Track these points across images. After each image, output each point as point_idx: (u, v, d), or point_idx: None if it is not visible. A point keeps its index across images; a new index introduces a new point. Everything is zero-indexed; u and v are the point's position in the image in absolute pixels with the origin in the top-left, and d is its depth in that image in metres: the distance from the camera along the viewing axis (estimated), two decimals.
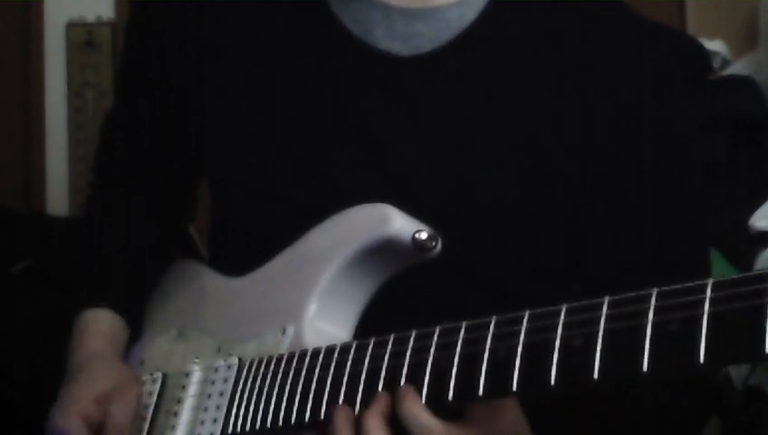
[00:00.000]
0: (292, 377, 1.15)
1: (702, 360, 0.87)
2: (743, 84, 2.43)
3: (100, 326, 1.36)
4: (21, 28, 2.86)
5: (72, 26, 2.88)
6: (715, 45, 2.55)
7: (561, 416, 1.13)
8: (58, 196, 2.82)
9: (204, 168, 1.39)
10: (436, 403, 1.03)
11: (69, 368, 1.33)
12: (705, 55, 2.47)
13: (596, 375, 0.93)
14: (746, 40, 2.65)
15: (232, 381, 1.21)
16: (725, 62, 2.56)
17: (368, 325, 1.20)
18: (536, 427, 1.11)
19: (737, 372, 2.03)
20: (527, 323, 0.99)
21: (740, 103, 2.38)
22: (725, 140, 2.30)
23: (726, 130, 2.31)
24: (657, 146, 1.25)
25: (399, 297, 1.20)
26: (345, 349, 1.12)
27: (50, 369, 2.11)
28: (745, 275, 0.87)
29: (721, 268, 2.11)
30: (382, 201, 1.19)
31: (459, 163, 1.25)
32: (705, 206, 1.32)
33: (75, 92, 2.87)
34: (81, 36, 2.88)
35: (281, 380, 1.16)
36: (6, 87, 2.87)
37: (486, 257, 1.25)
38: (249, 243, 1.32)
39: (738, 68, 2.52)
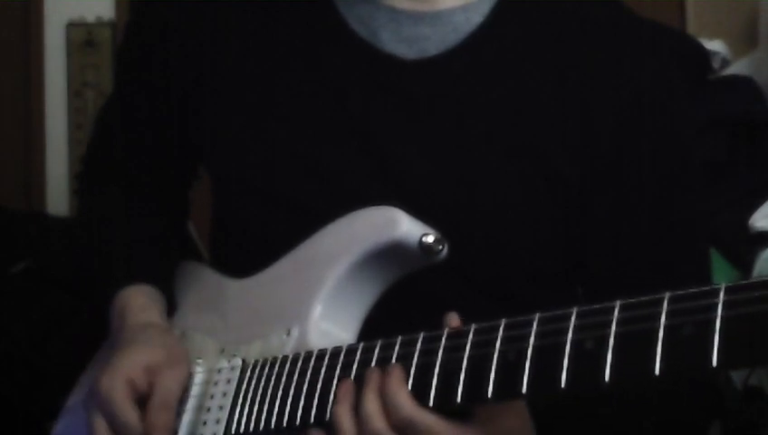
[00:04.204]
0: (297, 378, 1.15)
1: (715, 363, 0.87)
2: (743, 84, 2.43)
3: (147, 299, 1.34)
4: (21, 28, 2.86)
5: (72, 26, 2.88)
6: (715, 45, 2.54)
7: (565, 416, 1.13)
8: (58, 196, 2.82)
9: (205, 166, 1.38)
10: (444, 405, 1.03)
11: (118, 339, 1.29)
12: (705, 55, 2.48)
13: (607, 378, 0.93)
14: (746, 40, 2.65)
15: (235, 382, 1.21)
16: (725, 62, 2.55)
17: (371, 327, 1.20)
18: (540, 427, 1.11)
19: (737, 372, 2.03)
20: (537, 325, 1.00)
21: (740, 103, 2.38)
22: (725, 140, 2.30)
23: (726, 130, 2.31)
24: (657, 147, 1.25)
25: (402, 300, 1.21)
26: (351, 350, 1.12)
27: (50, 369, 2.12)
28: (758, 279, 0.87)
29: (721, 268, 2.11)
30: (383, 204, 1.20)
31: (461, 166, 1.25)
32: (705, 206, 1.33)
33: (75, 92, 2.87)
34: (81, 36, 2.88)
35: (285, 381, 1.16)
36: (6, 87, 2.87)
37: (488, 260, 1.25)
38: (249, 243, 1.32)
39: (738, 68, 2.51)
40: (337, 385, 1.10)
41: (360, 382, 1.09)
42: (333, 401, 1.10)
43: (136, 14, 1.45)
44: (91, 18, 2.88)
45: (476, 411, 1.06)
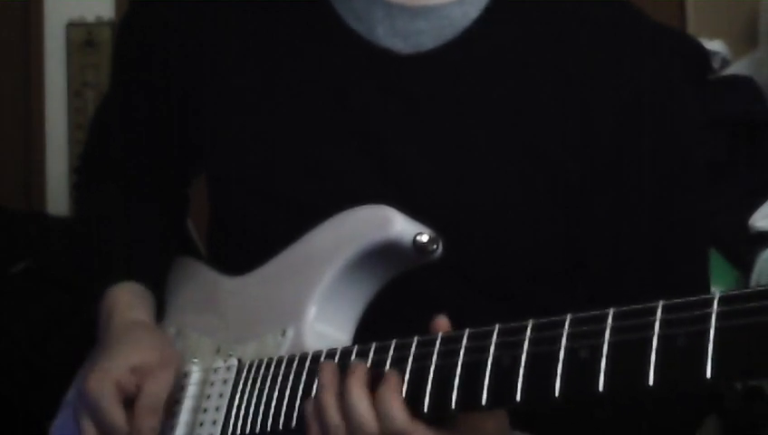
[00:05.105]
0: (293, 380, 1.15)
1: (709, 375, 0.86)
2: (743, 84, 2.43)
3: (135, 298, 1.33)
4: (21, 28, 2.87)
5: (72, 26, 2.88)
6: (715, 45, 2.55)
7: (560, 419, 1.13)
8: (58, 196, 2.82)
9: (204, 166, 1.38)
10: (438, 412, 1.02)
11: (105, 338, 1.29)
12: (706, 55, 2.48)
13: (601, 388, 0.92)
14: (746, 40, 2.65)
15: (231, 382, 1.21)
16: (725, 62, 2.55)
17: (367, 327, 1.20)
18: (535, 428, 1.11)
19: None
20: (531, 332, 0.99)
21: (740, 103, 2.38)
22: (725, 140, 2.30)
23: (726, 130, 2.31)
24: (657, 146, 1.25)
25: (399, 299, 1.20)
26: (345, 354, 1.12)
27: (50, 369, 2.12)
28: (752, 290, 0.87)
29: (721, 268, 2.11)
30: (381, 202, 1.19)
31: (459, 163, 1.25)
32: (706, 206, 1.32)
33: (75, 92, 2.88)
34: (81, 36, 2.88)
35: (281, 382, 1.16)
36: (6, 87, 2.87)
37: (486, 259, 1.25)
38: (247, 241, 1.32)
39: (738, 68, 2.52)
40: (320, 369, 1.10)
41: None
42: (318, 387, 1.09)
43: (133, 13, 1.44)
44: (91, 18, 2.89)
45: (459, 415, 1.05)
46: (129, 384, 1.21)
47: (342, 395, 1.06)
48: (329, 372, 1.08)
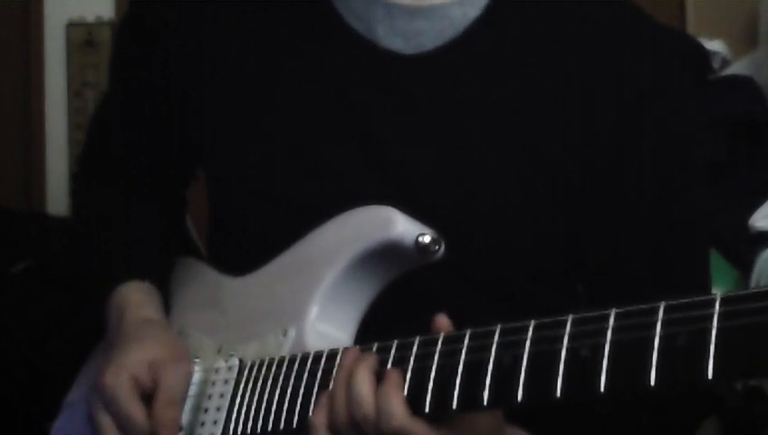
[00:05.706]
0: (294, 380, 1.15)
1: (710, 375, 0.86)
2: (743, 84, 2.43)
3: (146, 296, 1.34)
4: (21, 28, 2.87)
5: (72, 26, 2.88)
6: (715, 45, 2.55)
7: (561, 414, 1.13)
8: (58, 196, 2.82)
9: (204, 166, 1.38)
10: (439, 412, 1.02)
11: (117, 335, 1.29)
12: (706, 55, 2.48)
13: (602, 387, 0.92)
14: (746, 40, 2.65)
15: (232, 382, 1.21)
16: (725, 62, 2.56)
17: (368, 327, 1.20)
18: (529, 420, 1.11)
19: None
20: (533, 332, 0.99)
21: (740, 103, 2.38)
22: (725, 140, 2.30)
23: (726, 130, 2.31)
24: (657, 146, 1.25)
25: (399, 299, 1.20)
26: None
27: (50, 369, 2.12)
28: (754, 290, 0.86)
29: (721, 268, 2.11)
30: (382, 202, 1.19)
31: (460, 164, 1.25)
32: (706, 206, 1.32)
33: (75, 92, 2.88)
34: (81, 36, 2.88)
35: (282, 383, 1.16)
36: (6, 87, 2.87)
37: (486, 259, 1.25)
38: (248, 241, 1.32)
39: (738, 68, 2.52)
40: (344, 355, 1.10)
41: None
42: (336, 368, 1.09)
43: (133, 13, 1.44)
44: (91, 18, 2.89)
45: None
46: (146, 379, 1.21)
47: (349, 379, 1.06)
48: (351, 355, 1.09)
